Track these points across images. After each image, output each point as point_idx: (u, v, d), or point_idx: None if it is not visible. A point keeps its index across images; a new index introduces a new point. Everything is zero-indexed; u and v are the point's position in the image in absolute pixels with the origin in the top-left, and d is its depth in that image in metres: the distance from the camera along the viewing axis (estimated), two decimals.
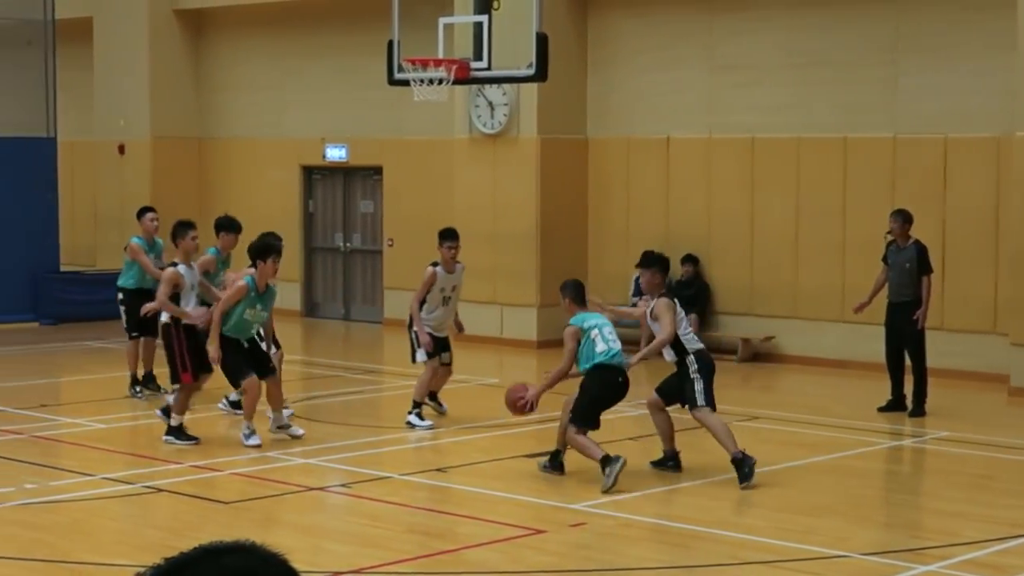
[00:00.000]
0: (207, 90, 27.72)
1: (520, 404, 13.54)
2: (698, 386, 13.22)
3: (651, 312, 13.46)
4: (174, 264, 14.81)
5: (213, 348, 14.05)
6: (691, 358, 13.29)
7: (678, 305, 13.48)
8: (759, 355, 21.06)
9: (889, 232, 17.01)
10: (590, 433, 13.04)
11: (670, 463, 13.61)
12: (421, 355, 15.64)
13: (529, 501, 12.45)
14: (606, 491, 12.52)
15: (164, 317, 14.81)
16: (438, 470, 13.49)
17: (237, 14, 26.94)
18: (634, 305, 21.40)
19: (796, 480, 13.36)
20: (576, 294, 13.58)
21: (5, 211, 24.79)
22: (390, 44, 17.90)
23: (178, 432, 14.40)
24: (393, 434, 15.54)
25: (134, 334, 17.33)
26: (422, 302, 15.76)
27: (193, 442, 14.31)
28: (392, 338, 23.74)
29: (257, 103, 27.03)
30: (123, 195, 27.26)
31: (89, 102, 28.20)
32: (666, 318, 13.24)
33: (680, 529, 11.40)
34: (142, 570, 2.60)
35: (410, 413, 15.58)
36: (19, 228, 24.98)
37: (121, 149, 27.59)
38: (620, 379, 13.24)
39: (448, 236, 16.12)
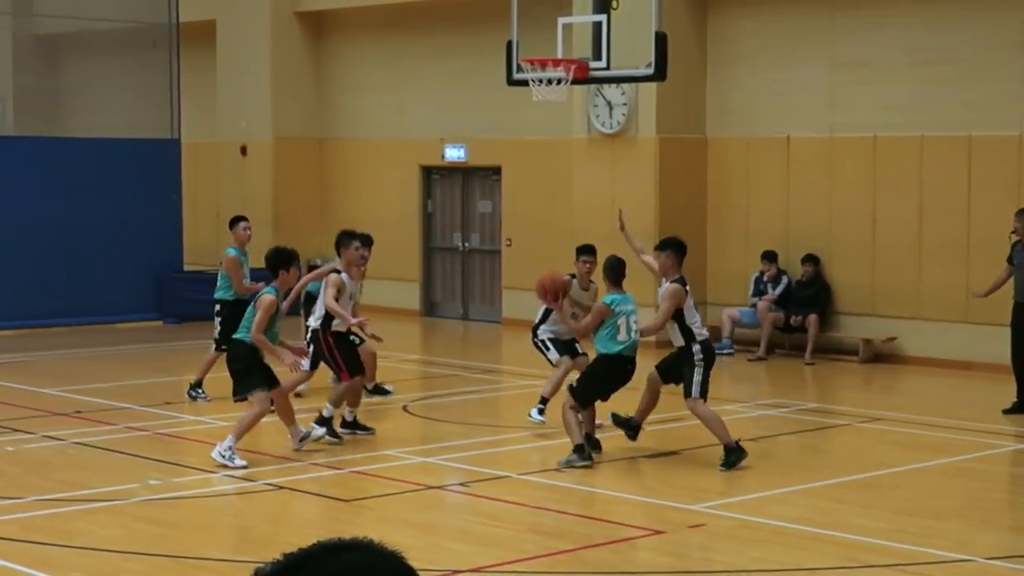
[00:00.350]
0: (328, 91, 27.96)
1: (544, 295, 14.46)
2: (697, 376, 13.60)
3: (661, 294, 13.92)
4: (337, 271, 14.92)
5: (290, 358, 13.92)
6: (697, 347, 13.65)
7: (689, 294, 13.84)
8: (881, 356, 20.82)
9: (1014, 232, 16.75)
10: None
11: (627, 430, 14.17)
12: (554, 354, 15.49)
13: (648, 502, 12.41)
14: (558, 467, 13.42)
15: (313, 323, 14.93)
16: (557, 470, 13.48)
17: (357, 16, 27.14)
18: (753, 306, 21.31)
19: (918, 482, 13.19)
20: (611, 275, 14.17)
21: (131, 212, 25.21)
22: (509, 44, 17.92)
23: (329, 424, 14.52)
24: (511, 433, 15.57)
25: (223, 347, 16.23)
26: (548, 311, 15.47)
27: (337, 440, 14.49)
28: (510, 338, 23.80)
29: (377, 104, 27.21)
30: (245, 196, 27.57)
31: (212, 104, 28.56)
32: (665, 305, 13.67)
33: (800, 531, 11.30)
34: (262, 566, 2.62)
35: (537, 409, 15.46)
36: (144, 228, 25.39)
37: (243, 150, 27.92)
38: (628, 367, 13.90)
39: (584, 251, 15.61)
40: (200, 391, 17.28)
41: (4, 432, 15.24)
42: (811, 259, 21.31)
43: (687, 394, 13.62)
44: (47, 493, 12.37)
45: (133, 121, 26.32)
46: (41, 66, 28.63)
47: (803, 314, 21.06)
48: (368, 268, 16.17)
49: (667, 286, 13.79)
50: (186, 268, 26.42)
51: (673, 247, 14.06)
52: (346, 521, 11.71)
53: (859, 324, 21.15)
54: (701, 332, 13.74)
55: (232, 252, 17.24)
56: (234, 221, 17.74)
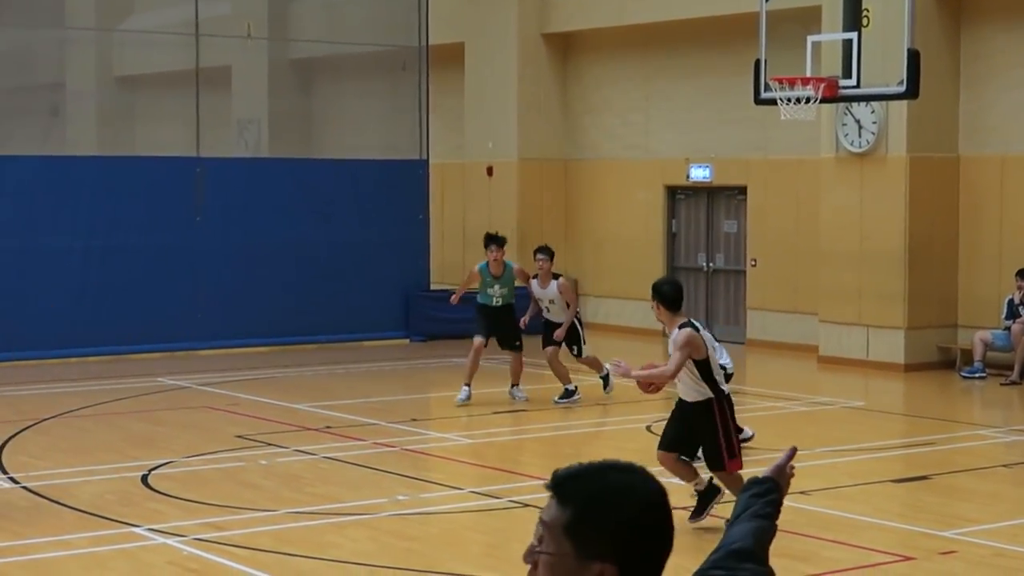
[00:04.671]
0: (573, 112, 28.11)
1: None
2: None
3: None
4: None
5: None
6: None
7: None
8: None
9: None
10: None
11: None
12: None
13: (897, 527, 12.18)
14: None
15: None
16: (802, 492, 13.31)
17: (604, 36, 27.24)
18: (1007, 329, 20.74)
19: None
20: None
21: (380, 231, 25.68)
22: (757, 63, 17.81)
23: None
24: (757, 455, 15.41)
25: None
26: None
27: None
28: (755, 358, 23.60)
29: (622, 124, 27.25)
30: (491, 215, 27.89)
31: (459, 125, 28.95)
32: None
33: None
34: (559, 469, 3.17)
35: None
36: (392, 248, 25.85)
37: (489, 171, 28.22)
38: None
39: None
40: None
41: (259, 446, 15.65)
42: None
43: None
44: (300, 506, 12.66)
45: (383, 142, 26.85)
46: (295, 89, 29.37)
47: None
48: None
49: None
50: (433, 287, 26.80)
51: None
52: None
53: None
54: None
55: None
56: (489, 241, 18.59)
